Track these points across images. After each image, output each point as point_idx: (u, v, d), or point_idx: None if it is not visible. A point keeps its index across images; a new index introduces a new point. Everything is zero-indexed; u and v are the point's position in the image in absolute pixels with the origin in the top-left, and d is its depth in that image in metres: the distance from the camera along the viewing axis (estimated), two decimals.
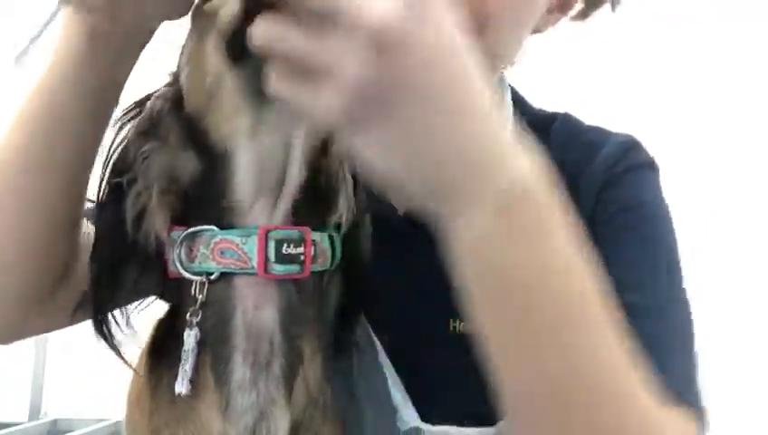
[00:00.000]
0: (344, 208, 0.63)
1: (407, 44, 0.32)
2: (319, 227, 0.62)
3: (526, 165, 0.38)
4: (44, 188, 0.61)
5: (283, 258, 0.57)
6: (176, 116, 0.61)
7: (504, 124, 0.38)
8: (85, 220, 0.69)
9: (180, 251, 0.59)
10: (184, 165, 0.61)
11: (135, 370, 0.65)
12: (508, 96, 0.77)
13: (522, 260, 0.39)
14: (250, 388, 0.57)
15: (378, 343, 0.75)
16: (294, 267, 0.58)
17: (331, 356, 0.65)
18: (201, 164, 0.60)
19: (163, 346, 0.63)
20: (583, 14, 0.79)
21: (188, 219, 0.61)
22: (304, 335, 0.61)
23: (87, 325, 0.62)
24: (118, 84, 0.61)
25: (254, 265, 0.57)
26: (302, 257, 0.58)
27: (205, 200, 0.60)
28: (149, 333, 0.67)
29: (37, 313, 0.65)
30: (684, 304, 0.67)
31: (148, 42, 0.60)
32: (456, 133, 0.35)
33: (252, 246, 0.57)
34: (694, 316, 0.67)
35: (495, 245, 0.39)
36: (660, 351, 0.57)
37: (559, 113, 0.79)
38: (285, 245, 0.57)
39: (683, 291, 0.68)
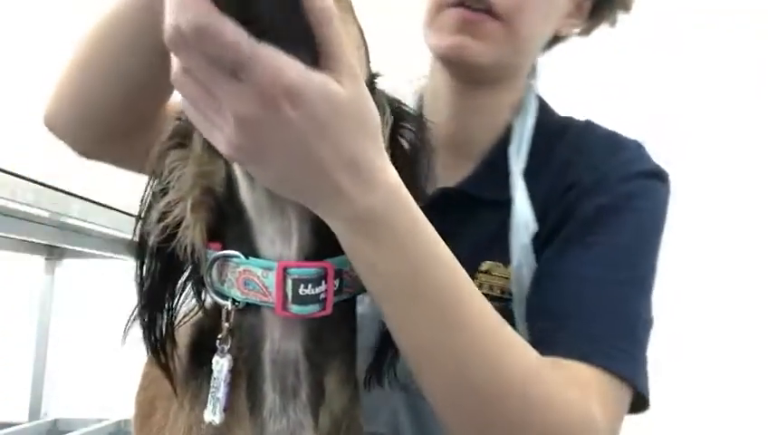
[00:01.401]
0: None
1: (266, 140, 0.44)
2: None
3: (376, 197, 0.50)
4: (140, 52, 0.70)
5: (300, 299, 0.55)
6: None
7: (359, 174, 0.49)
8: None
9: (212, 272, 0.59)
10: (216, 171, 0.59)
11: (175, 390, 0.64)
12: (533, 104, 0.86)
13: (376, 260, 0.53)
14: (281, 414, 0.58)
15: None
16: (313, 307, 0.56)
17: (358, 383, 0.64)
18: (228, 190, 0.58)
19: (203, 355, 0.62)
20: (587, 30, 0.89)
21: (224, 234, 0.59)
22: (329, 364, 0.60)
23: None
24: None
25: (273, 301, 0.55)
26: (323, 296, 0.56)
27: (236, 221, 0.59)
28: (189, 334, 0.65)
29: (115, 146, 0.80)
30: (640, 290, 0.72)
31: None
32: (302, 182, 0.49)
33: (271, 281, 0.55)
34: (650, 306, 0.72)
35: (355, 248, 0.53)
36: (596, 313, 0.67)
37: (580, 120, 0.87)
38: (303, 286, 0.55)
39: (645, 279, 0.73)
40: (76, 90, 0.77)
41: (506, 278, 0.79)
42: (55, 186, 1.65)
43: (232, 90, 0.42)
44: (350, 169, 0.48)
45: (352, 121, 0.46)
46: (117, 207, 1.90)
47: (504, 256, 0.78)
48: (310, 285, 0.55)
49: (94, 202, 1.84)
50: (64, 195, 1.71)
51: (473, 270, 0.78)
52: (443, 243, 0.55)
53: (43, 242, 2.16)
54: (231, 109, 0.43)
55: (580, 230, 0.73)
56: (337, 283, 0.57)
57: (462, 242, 0.75)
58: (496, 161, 0.83)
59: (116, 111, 0.76)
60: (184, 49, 0.41)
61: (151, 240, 0.58)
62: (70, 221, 1.82)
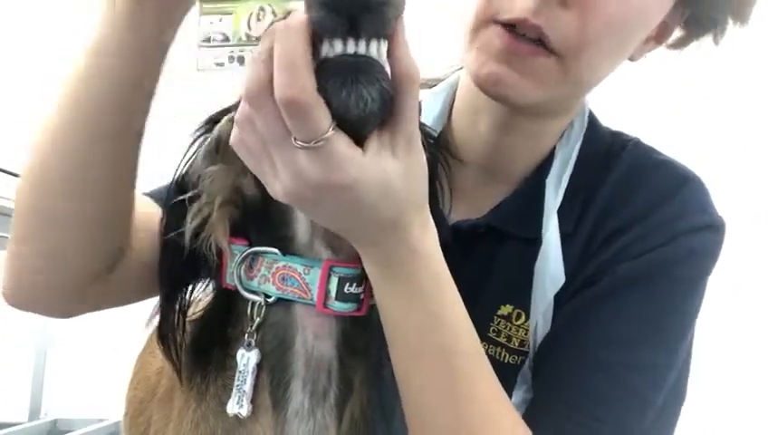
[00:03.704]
0: None
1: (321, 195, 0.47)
2: None
3: (412, 264, 0.52)
4: (94, 160, 0.57)
5: (344, 297, 0.56)
6: None
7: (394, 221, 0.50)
8: (143, 203, 0.67)
9: (240, 268, 0.59)
10: (248, 184, 0.60)
11: (182, 381, 0.63)
12: (582, 128, 0.76)
13: (390, 305, 0.55)
14: (308, 416, 0.58)
15: None
16: (352, 305, 0.57)
17: (377, 384, 0.65)
18: (261, 193, 0.57)
19: (208, 349, 0.62)
20: (682, 43, 0.75)
21: (249, 231, 0.60)
22: (357, 365, 0.61)
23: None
24: (161, 50, 0.56)
25: (314, 297, 0.56)
26: (362, 296, 0.58)
27: (266, 220, 0.59)
28: (190, 330, 0.65)
29: (94, 290, 0.63)
30: (656, 378, 0.65)
31: (191, 6, 0.56)
32: (348, 230, 0.52)
33: (314, 278, 0.56)
34: (663, 389, 0.66)
35: (382, 291, 0.55)
36: (602, 408, 0.62)
37: (630, 140, 0.77)
38: (348, 284, 0.56)
39: (666, 364, 0.66)
40: (40, 228, 0.59)
41: (528, 330, 0.70)
42: None
43: (290, 159, 0.45)
44: (396, 233, 0.50)
45: (400, 195, 0.48)
46: None
47: (528, 302, 0.70)
48: (354, 285, 0.56)
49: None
50: None
51: (491, 312, 0.73)
52: (464, 310, 0.57)
53: None
54: (288, 174, 0.46)
55: (611, 294, 0.65)
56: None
57: (486, 279, 0.73)
58: (533, 192, 0.74)
59: (106, 233, 0.61)
60: (261, 111, 0.44)
61: (185, 240, 0.58)
62: None
